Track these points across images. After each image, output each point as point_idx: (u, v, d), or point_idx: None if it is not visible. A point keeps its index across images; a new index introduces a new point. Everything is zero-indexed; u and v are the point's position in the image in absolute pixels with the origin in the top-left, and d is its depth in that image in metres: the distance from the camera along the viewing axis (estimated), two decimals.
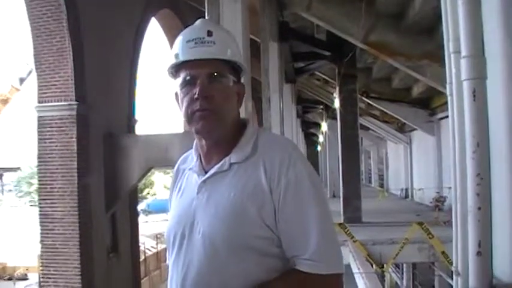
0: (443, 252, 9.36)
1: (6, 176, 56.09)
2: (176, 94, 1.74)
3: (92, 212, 10.83)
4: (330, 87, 20.71)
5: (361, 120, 19.77)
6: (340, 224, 8.76)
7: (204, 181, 1.71)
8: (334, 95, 16.85)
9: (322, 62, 16.50)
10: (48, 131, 10.56)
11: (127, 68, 12.82)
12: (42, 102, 10.58)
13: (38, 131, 10.67)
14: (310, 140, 44.56)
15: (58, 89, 10.47)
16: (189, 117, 1.68)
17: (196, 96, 1.64)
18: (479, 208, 2.17)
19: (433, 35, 9.73)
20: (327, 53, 15.11)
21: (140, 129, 14.26)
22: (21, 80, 20.37)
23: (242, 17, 5.25)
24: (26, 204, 43.80)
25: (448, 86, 2.77)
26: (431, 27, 9.70)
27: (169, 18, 15.90)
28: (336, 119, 16.75)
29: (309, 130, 40.40)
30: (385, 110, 19.74)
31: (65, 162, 10.52)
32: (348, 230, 8.66)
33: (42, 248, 10.62)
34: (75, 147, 10.44)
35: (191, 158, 1.82)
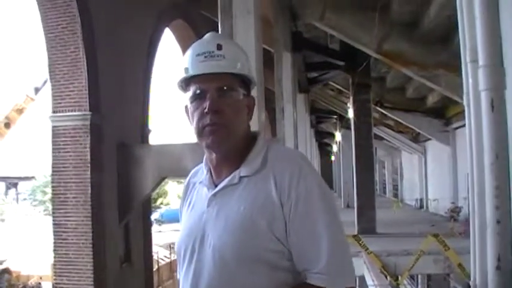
0: (459, 265, 9.21)
1: (21, 185, 56.55)
2: (186, 107, 1.73)
3: (105, 222, 10.84)
4: (343, 97, 20.63)
5: (375, 130, 19.66)
6: (354, 236, 8.67)
7: (214, 194, 1.70)
8: (348, 104, 16.78)
9: (336, 72, 16.45)
10: (62, 141, 10.61)
11: (140, 78, 12.86)
12: (56, 112, 10.64)
13: (52, 141, 10.73)
14: (324, 150, 44.43)
15: (72, 99, 10.53)
16: (200, 132, 1.68)
17: (206, 110, 1.63)
18: (498, 221, 2.11)
19: (447, 44, 9.64)
20: (341, 62, 15.07)
21: (154, 139, 14.30)
22: (36, 90, 20.51)
23: (255, 28, 5.21)
24: (41, 213, 44.04)
25: (464, 97, 2.70)
26: (446, 36, 9.62)
27: (183, 29, 15.96)
28: (350, 129, 16.66)
29: (323, 140, 40.27)
30: (399, 120, 19.61)
31: (78, 172, 10.56)
32: (362, 242, 8.56)
33: (55, 257, 10.64)
34: (89, 157, 10.47)
35: (201, 172, 1.81)
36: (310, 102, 23.17)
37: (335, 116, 27.25)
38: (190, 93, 1.69)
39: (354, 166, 15.28)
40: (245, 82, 1.73)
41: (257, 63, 5.24)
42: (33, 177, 47.75)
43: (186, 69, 1.68)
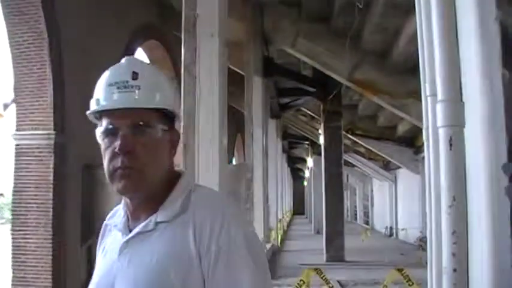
0: None
1: None
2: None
3: (67, 244, 10.49)
4: (315, 123, 20.67)
5: (347, 157, 19.71)
6: (316, 269, 8.47)
7: (127, 242, 1.47)
8: (319, 131, 16.78)
9: (308, 98, 16.49)
10: (25, 160, 10.26)
11: None
12: (20, 130, 10.32)
13: (15, 160, 10.36)
14: (297, 175, 44.54)
15: (36, 117, 10.22)
16: (110, 174, 1.45)
17: (117, 150, 1.42)
18: (454, 270, 1.98)
19: (417, 74, 9.64)
20: (312, 89, 15.08)
21: None
22: (5, 106, 20.04)
23: (219, 51, 5.11)
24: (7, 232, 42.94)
25: (424, 132, 2.59)
26: (415, 66, 9.59)
27: (156, 49, 15.79)
28: (321, 155, 16.63)
29: (295, 165, 40.36)
30: (370, 148, 19.67)
31: (40, 192, 10.19)
32: (323, 276, 8.37)
33: (13, 279, 10.23)
34: (52, 178, 10.14)
35: (119, 214, 1.59)
36: (282, 127, 23.16)
37: (307, 142, 27.32)
38: (101, 128, 1.47)
39: (323, 193, 15.19)
40: (166, 115, 1.51)
41: (220, 87, 5.13)
42: (1, 195, 46.76)
43: (97, 101, 1.47)
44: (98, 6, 10.96)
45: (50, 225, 10.11)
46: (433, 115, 2.34)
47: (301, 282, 8.18)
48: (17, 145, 10.42)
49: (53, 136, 10.17)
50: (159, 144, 1.47)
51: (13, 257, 10.23)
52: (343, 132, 15.88)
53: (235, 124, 18.49)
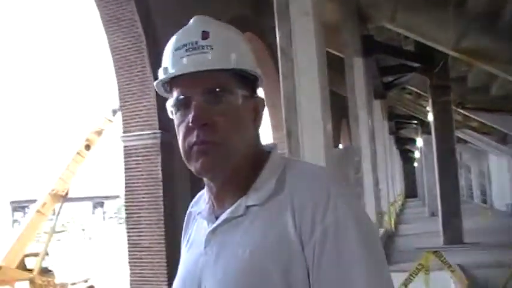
0: None
1: (107, 204, 58.65)
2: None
3: (179, 239, 10.72)
4: (423, 100, 19.81)
5: (458, 134, 18.73)
6: (434, 252, 7.94)
7: (213, 231, 1.26)
8: (427, 108, 16.03)
9: (412, 75, 15.78)
10: (134, 160, 10.64)
11: None
12: (127, 132, 10.68)
13: (124, 161, 10.78)
14: (407, 157, 43.25)
15: (142, 118, 10.53)
16: (186, 153, 1.24)
17: (191, 123, 1.20)
18: None
19: None
20: (417, 64, 14.39)
21: None
22: (114, 112, 20.99)
23: (315, 30, 4.85)
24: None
25: None
26: None
27: (253, 41, 15.76)
28: (431, 133, 15.88)
29: (405, 147, 39.18)
30: (484, 121, 18.54)
31: (151, 191, 10.53)
32: (443, 259, 7.83)
33: (131, 276, 10.64)
34: (161, 176, 10.41)
35: (204, 200, 1.37)
36: (388, 108, 22.49)
37: (415, 121, 26.37)
38: (171, 100, 1.26)
39: (436, 172, 14.48)
40: (246, 78, 1.27)
41: (319, 69, 4.88)
42: (117, 196, 49.27)
43: (165, 69, 1.25)
44: (190, 3, 11.11)
45: (162, 222, 10.42)
46: None
47: (420, 266, 7.74)
48: (125, 146, 10.81)
49: (158, 135, 10.44)
50: (240, 113, 1.24)
51: (130, 254, 10.66)
52: (453, 107, 15.05)
53: (340, 109, 18.18)
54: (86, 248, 39.89)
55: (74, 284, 19.99)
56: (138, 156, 10.64)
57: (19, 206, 54.64)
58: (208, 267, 1.23)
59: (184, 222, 1.49)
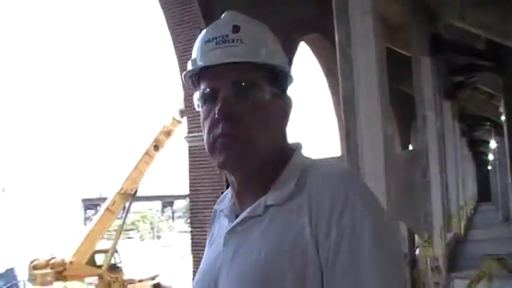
0: None
1: (176, 203, 59.87)
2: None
3: None
4: (495, 100, 19.09)
5: None
6: (499, 260, 7.57)
7: (232, 229, 1.26)
8: (500, 109, 15.41)
9: (484, 74, 15.21)
10: (198, 161, 10.75)
11: None
12: (191, 132, 10.82)
13: (189, 161, 10.91)
14: (480, 159, 41.77)
15: None
16: (210, 146, 1.24)
17: (217, 116, 1.20)
18: None
19: None
20: (488, 63, 13.86)
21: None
22: (182, 112, 21.28)
23: (374, 30, 4.76)
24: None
25: None
26: None
27: (319, 42, 15.63)
28: (503, 135, 15.27)
29: (478, 149, 37.87)
30: None
31: (215, 190, 10.62)
32: (510, 267, 7.45)
33: (194, 274, 10.78)
34: (224, 176, 10.48)
35: (228, 197, 1.38)
36: (459, 109, 21.79)
37: (488, 123, 25.43)
38: (199, 92, 1.27)
39: (509, 176, 13.91)
40: (277, 75, 1.26)
41: (379, 70, 4.79)
42: (187, 196, 50.11)
43: (194, 61, 1.26)
44: (255, 4, 11.19)
45: None
46: None
47: (482, 273, 7.40)
48: (190, 147, 10.94)
49: None
50: (268, 110, 1.23)
51: (193, 253, 10.78)
52: None
53: (410, 110, 17.74)
54: (154, 246, 40.79)
55: (141, 280, 20.47)
56: (202, 156, 10.76)
57: (91, 204, 56.71)
58: (225, 265, 1.23)
59: (211, 220, 1.48)
